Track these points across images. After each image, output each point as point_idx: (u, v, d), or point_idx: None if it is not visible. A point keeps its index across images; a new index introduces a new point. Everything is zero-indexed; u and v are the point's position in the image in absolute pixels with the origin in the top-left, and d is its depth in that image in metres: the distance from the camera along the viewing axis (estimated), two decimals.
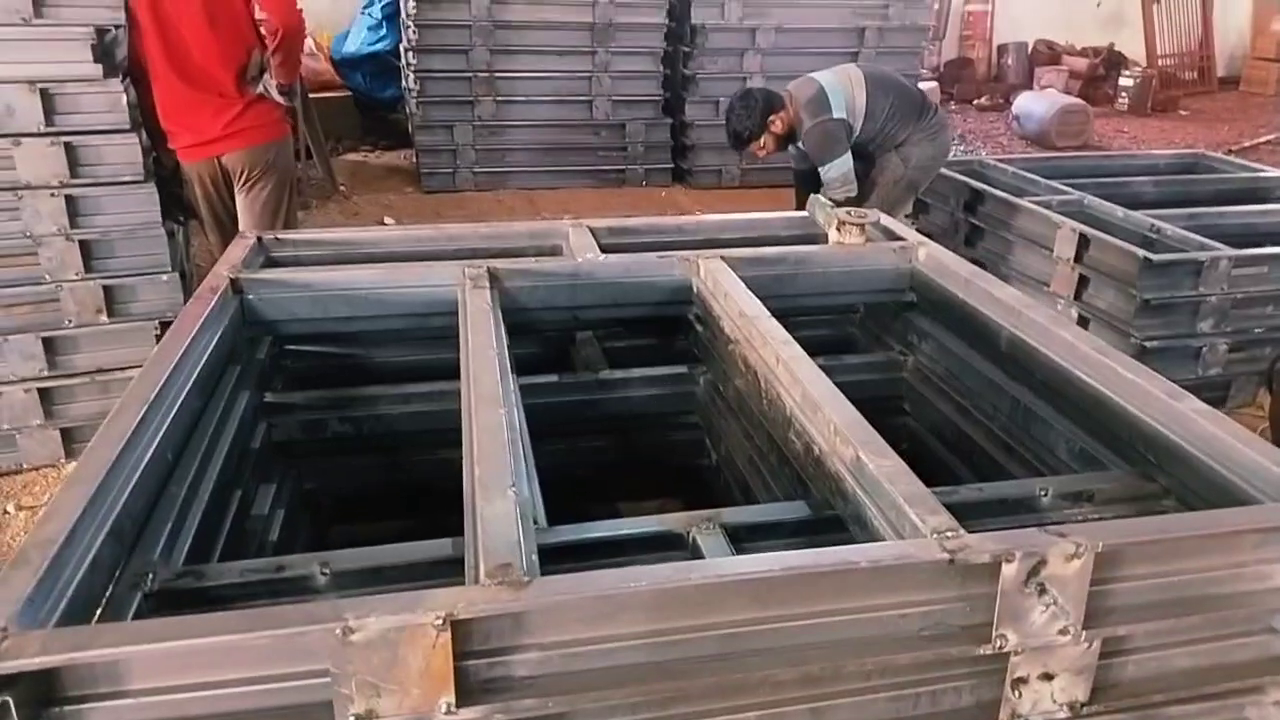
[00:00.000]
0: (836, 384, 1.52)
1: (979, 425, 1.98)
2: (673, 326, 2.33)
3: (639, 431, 2.32)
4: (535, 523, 1.35)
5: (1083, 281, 3.33)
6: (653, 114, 6.29)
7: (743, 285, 1.94)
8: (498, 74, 5.89)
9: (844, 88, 3.72)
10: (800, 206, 4.15)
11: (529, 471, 1.46)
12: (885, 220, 2.35)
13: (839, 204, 3.69)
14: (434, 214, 5.71)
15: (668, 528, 1.36)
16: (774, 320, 1.76)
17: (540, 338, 2.41)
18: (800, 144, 3.80)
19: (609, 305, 2.16)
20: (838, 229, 2.23)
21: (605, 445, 2.32)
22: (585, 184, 6.25)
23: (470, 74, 5.84)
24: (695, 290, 2.10)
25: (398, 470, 2.24)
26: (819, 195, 2.56)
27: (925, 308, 2.15)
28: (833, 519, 1.36)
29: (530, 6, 5.81)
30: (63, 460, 3.03)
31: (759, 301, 1.86)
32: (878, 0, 6.29)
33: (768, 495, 1.79)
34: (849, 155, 3.69)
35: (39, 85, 2.62)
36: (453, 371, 1.76)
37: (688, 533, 1.33)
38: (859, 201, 3.72)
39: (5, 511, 2.83)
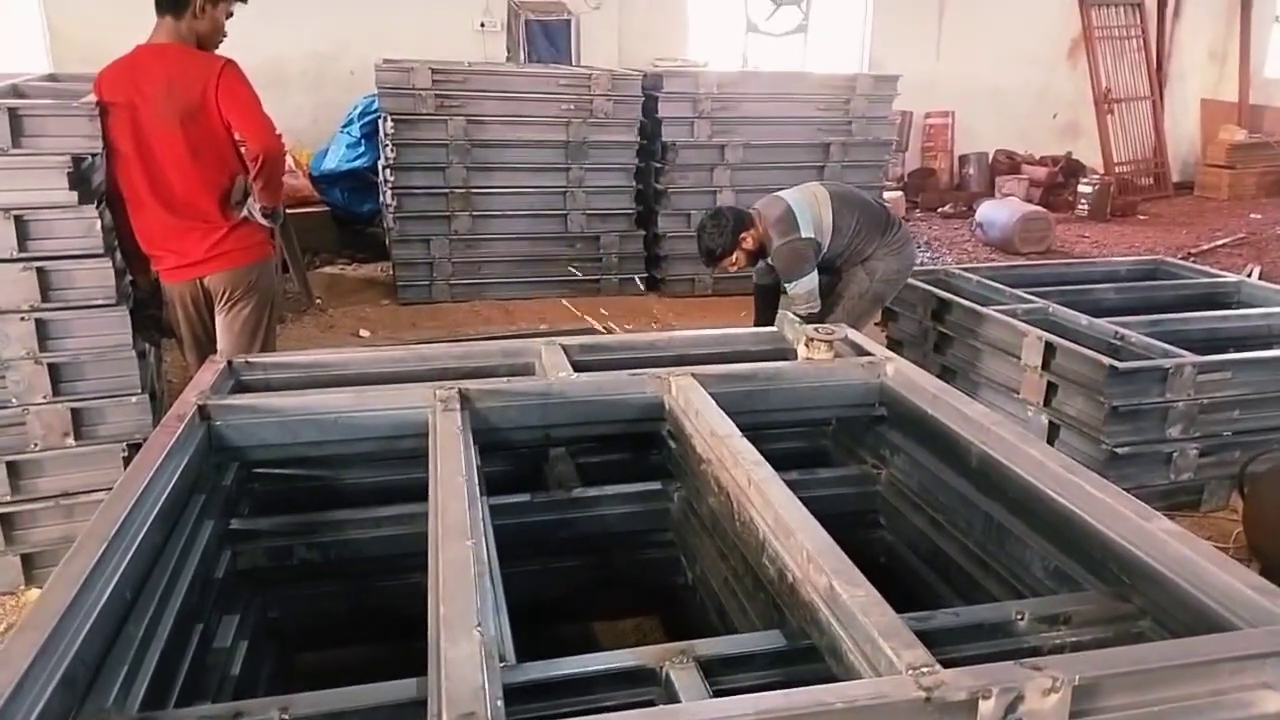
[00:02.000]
0: (810, 498, 1.52)
1: (954, 541, 1.97)
2: (646, 442, 2.33)
3: (613, 550, 2.29)
4: (502, 659, 1.32)
5: (1051, 388, 3.36)
6: (626, 226, 6.41)
7: (713, 403, 1.95)
8: (474, 190, 6.01)
9: (811, 206, 3.84)
10: (759, 319, 4.26)
11: (498, 604, 1.43)
12: (853, 335, 2.39)
13: (802, 319, 3.83)
14: (410, 325, 5.74)
15: (640, 662, 1.32)
16: (745, 440, 1.76)
17: (513, 455, 2.40)
18: (769, 260, 3.88)
19: (582, 423, 2.16)
20: (806, 345, 2.26)
21: (579, 565, 2.28)
22: (561, 293, 6.31)
23: (447, 190, 5.94)
24: (667, 408, 2.10)
25: (366, 595, 2.19)
26: (787, 311, 2.59)
27: (896, 422, 2.16)
28: (809, 649, 1.34)
29: (506, 125, 5.97)
30: (22, 587, 2.94)
31: (730, 420, 1.87)
32: (841, 117, 6.51)
33: (743, 619, 1.76)
34: (815, 273, 3.80)
35: (13, 213, 2.64)
36: (423, 493, 1.74)
37: (660, 668, 1.30)
38: (823, 315, 3.81)
39: None
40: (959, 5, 9.93)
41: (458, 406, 1.96)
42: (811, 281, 3.78)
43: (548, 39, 8.33)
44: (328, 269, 6.85)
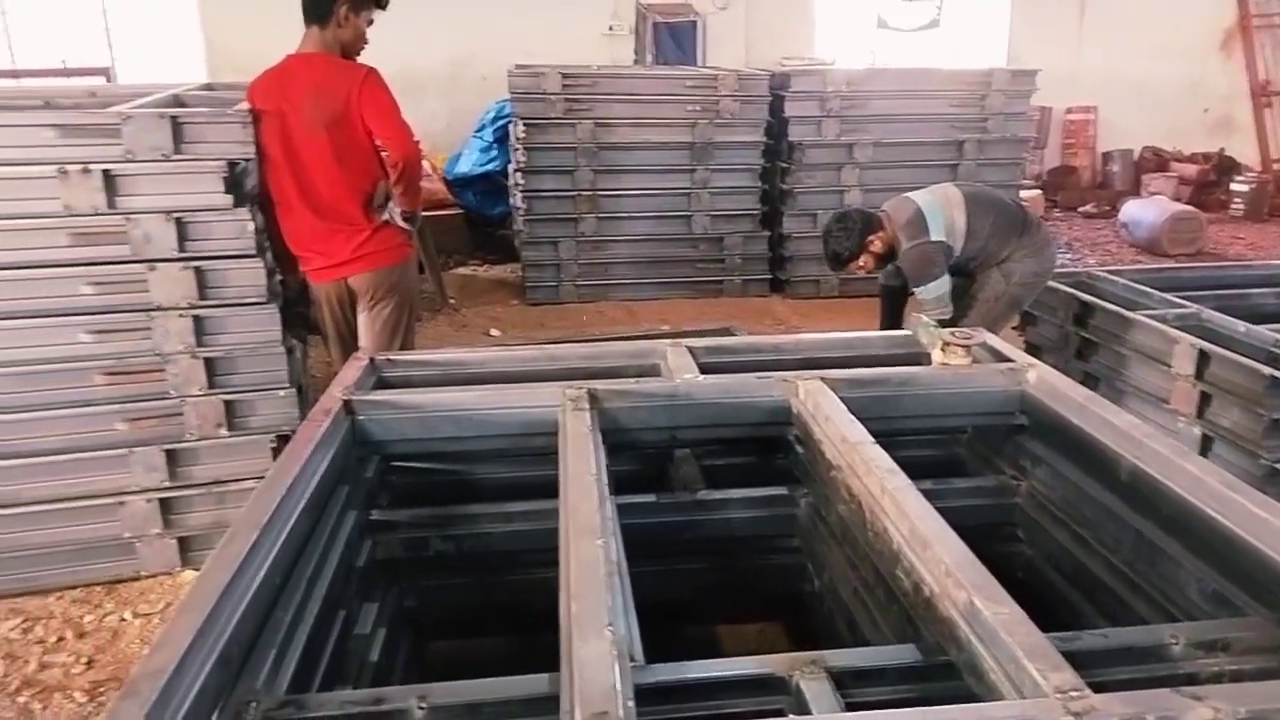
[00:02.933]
0: (945, 508, 1.47)
1: (1099, 558, 1.87)
2: (772, 445, 2.30)
3: (737, 554, 2.27)
4: (632, 660, 1.32)
5: (1204, 398, 3.17)
6: (750, 227, 6.37)
7: (844, 408, 1.91)
8: (600, 192, 6.09)
9: (943, 208, 3.72)
10: (885, 322, 4.15)
11: (627, 604, 1.43)
12: (992, 340, 2.30)
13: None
14: (538, 325, 5.85)
15: (769, 670, 1.31)
16: (878, 447, 1.72)
17: (638, 455, 2.41)
18: (898, 263, 3.79)
19: (707, 425, 2.15)
20: (943, 350, 2.19)
21: (702, 567, 2.27)
22: (683, 295, 6.33)
23: (574, 193, 6.04)
24: (795, 412, 2.07)
25: (495, 588, 2.24)
26: (921, 315, 2.52)
27: (1038, 432, 2.07)
28: (945, 665, 1.29)
29: (633, 129, 6.02)
30: (178, 568, 3.13)
31: (861, 426, 1.83)
32: (976, 114, 6.30)
33: (874, 631, 1.72)
34: (946, 278, 3.68)
35: (174, 215, 2.82)
36: (552, 490, 1.77)
37: (790, 677, 1.28)
38: (956, 319, 3.68)
39: (122, 619, 2.93)
40: None
41: (587, 406, 1.98)
42: (942, 286, 3.67)
43: (674, 41, 8.37)
44: (460, 270, 7.06)
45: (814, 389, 2.00)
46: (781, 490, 2.20)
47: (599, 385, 2.08)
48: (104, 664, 2.74)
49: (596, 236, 6.18)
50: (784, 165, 6.29)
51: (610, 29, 8.48)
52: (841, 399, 1.94)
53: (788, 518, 2.22)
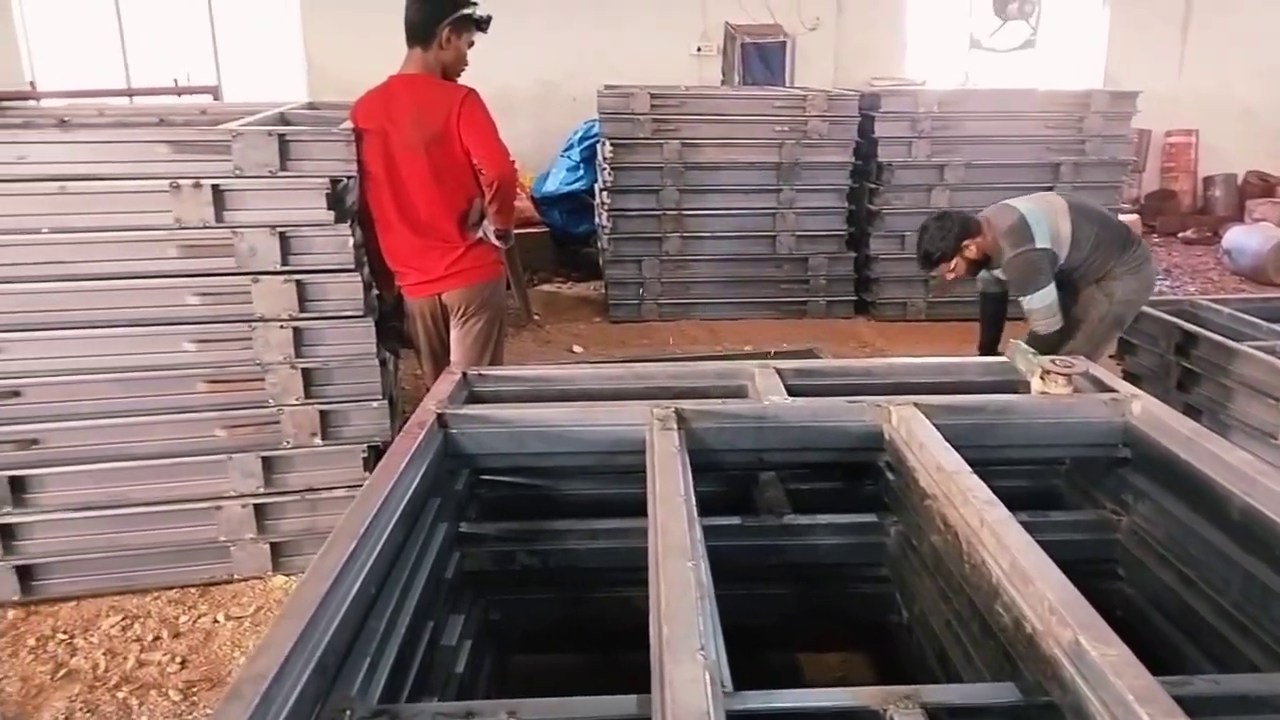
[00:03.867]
0: (1042, 542, 1.42)
1: (1207, 599, 1.79)
2: (861, 471, 2.27)
3: (823, 581, 2.24)
4: (721, 685, 1.31)
5: None
6: (836, 248, 6.31)
7: (939, 435, 1.87)
8: (685, 211, 6.10)
9: (1048, 215, 3.62)
10: (985, 328, 4.05)
11: (715, 629, 1.42)
12: (1094, 370, 2.23)
13: (1041, 336, 3.62)
14: (620, 343, 5.88)
15: (861, 703, 1.28)
16: (975, 476, 1.68)
17: (722, 476, 2.40)
18: (997, 272, 3.72)
19: (795, 449, 2.13)
20: (1042, 378, 2.13)
21: (786, 593, 2.25)
22: (767, 315, 6.29)
23: (659, 212, 6.07)
24: (887, 438, 2.04)
25: (579, 605, 2.25)
26: (1020, 341, 2.45)
27: (1142, 466, 2.00)
28: (1047, 707, 1.25)
29: (719, 149, 6.03)
30: (269, 573, 3.21)
31: (957, 454, 1.79)
32: (1073, 136, 6.15)
33: (968, 667, 1.67)
34: (1053, 287, 3.58)
35: (278, 229, 2.91)
36: (638, 508, 1.77)
37: (884, 711, 1.25)
38: (1064, 335, 3.59)
39: (215, 621, 3.01)
40: (1206, 17, 9.18)
41: (674, 425, 1.98)
42: (1050, 295, 3.57)
43: (763, 61, 8.37)
44: (545, 286, 7.15)
45: (907, 415, 1.97)
46: (870, 517, 2.16)
47: (686, 405, 2.08)
48: (197, 664, 2.82)
49: (680, 255, 6.19)
50: (872, 186, 6.22)
51: (699, 50, 8.52)
52: (936, 426, 1.90)
53: (876, 546, 2.18)
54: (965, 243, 3.67)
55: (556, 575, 2.21)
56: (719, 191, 6.12)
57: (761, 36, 8.48)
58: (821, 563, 2.19)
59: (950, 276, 3.83)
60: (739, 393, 2.30)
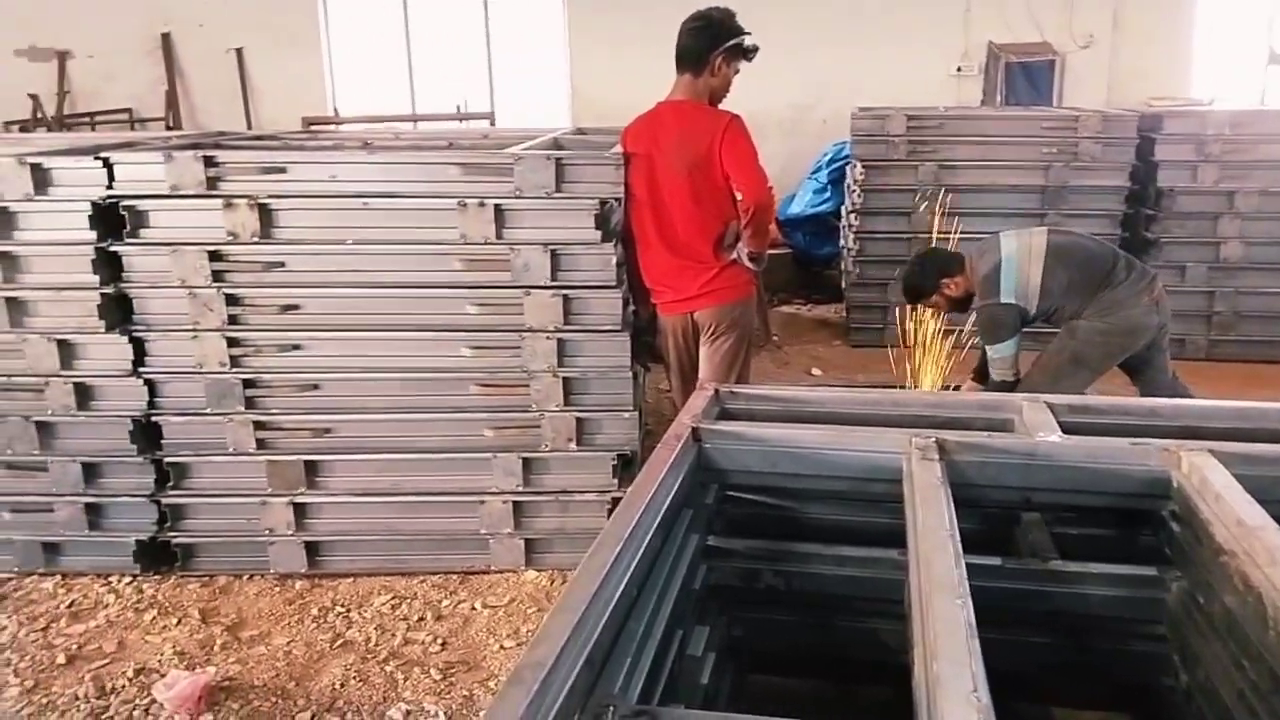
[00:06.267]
0: None
1: None
2: (1139, 520, 2.10)
3: (1089, 634, 2.08)
4: None
5: None
6: None
7: (1239, 487, 1.71)
8: (940, 236, 5.90)
9: (1021, 265, 3.64)
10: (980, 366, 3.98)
11: (983, 673, 1.37)
12: None
13: (996, 384, 3.72)
14: (860, 368, 5.77)
15: None
16: None
17: (981, 513, 2.29)
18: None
19: (1067, 490, 2.01)
20: None
21: (1047, 643, 2.11)
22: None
23: (910, 235, 5.91)
24: (1175, 485, 1.88)
25: (822, 631, 2.22)
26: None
27: None
28: None
29: (980, 170, 5.80)
30: (522, 567, 3.41)
31: (1261, 508, 1.62)
32: None
33: None
34: (1014, 340, 3.73)
35: (550, 248, 3.10)
36: (887, 538, 1.72)
37: None
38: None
39: (472, 608, 3.23)
40: None
41: (935, 456, 1.92)
42: (1009, 349, 3.69)
43: (1028, 81, 7.99)
44: (785, 308, 7.15)
45: (1201, 462, 1.81)
46: (1149, 570, 1.99)
47: (948, 436, 2.01)
48: (455, 647, 3.03)
49: None
50: (1149, 213, 5.76)
51: (958, 70, 8.24)
52: (1235, 475, 1.73)
53: (1153, 601, 2.00)
54: (945, 281, 3.80)
55: (800, 598, 2.20)
56: (977, 215, 5.86)
57: (1028, 55, 8.08)
58: (1089, 614, 2.04)
59: (935, 310, 4.00)
60: (1004, 426, 2.20)
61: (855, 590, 2.12)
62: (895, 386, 4.52)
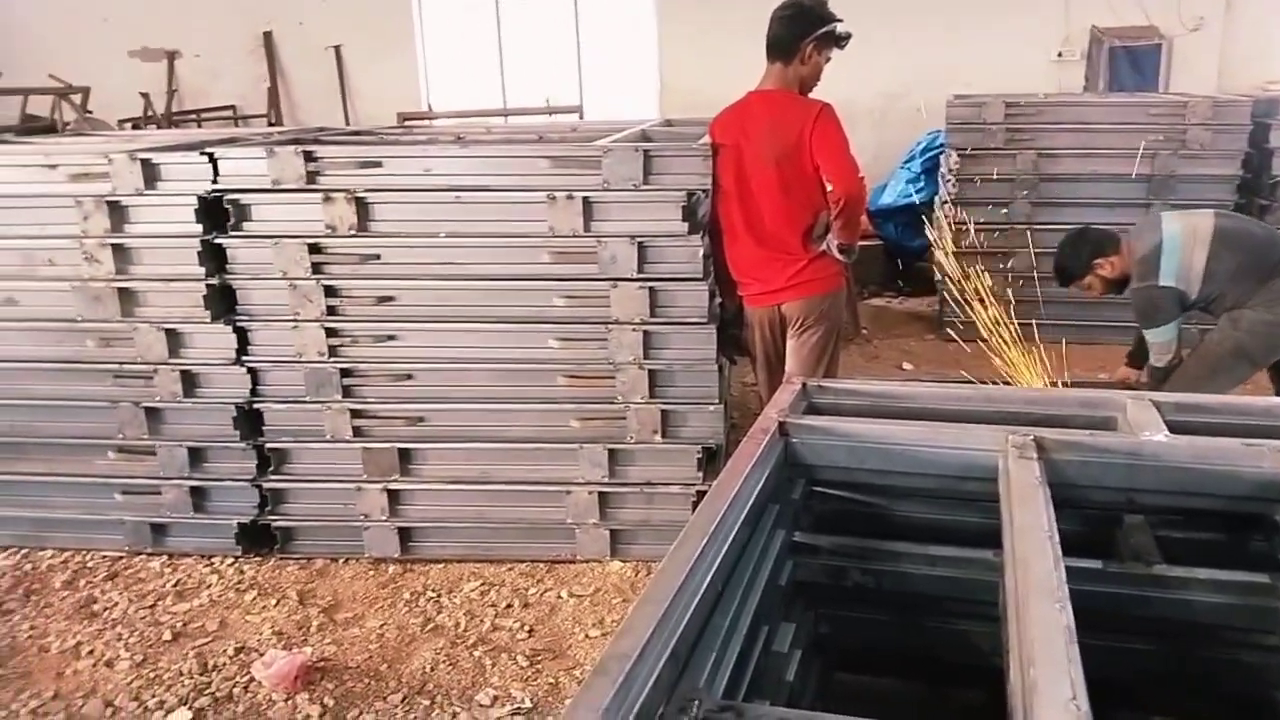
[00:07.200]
0: None
1: None
2: (1248, 524, 2.00)
3: (1195, 642, 1.99)
4: None
5: None
6: None
7: None
8: (1036, 226, 5.73)
9: (1185, 247, 3.44)
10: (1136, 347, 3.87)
11: (1082, 680, 1.32)
12: None
13: (1155, 369, 3.55)
14: (954, 362, 5.62)
15: None
16: None
17: (1080, 514, 2.22)
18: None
19: (1173, 492, 1.92)
20: None
21: (1150, 650, 2.03)
22: (1125, 341, 5.71)
23: (1007, 226, 5.75)
24: None
25: (911, 631, 2.18)
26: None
27: None
28: None
29: (1080, 159, 5.61)
30: (607, 558, 3.43)
31: None
32: None
33: None
34: (1173, 324, 3.55)
35: (637, 239, 3.10)
36: (980, 538, 1.67)
37: None
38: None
39: (559, 596, 3.27)
40: None
41: (1034, 455, 1.86)
42: (1168, 333, 3.50)
43: (1133, 66, 7.68)
44: (874, 300, 7.02)
45: None
46: (1260, 577, 1.89)
47: (1046, 434, 1.95)
48: (542, 634, 3.07)
49: (1028, 272, 5.81)
50: (1263, 203, 5.49)
51: (1059, 55, 7.96)
52: None
53: (1264, 610, 1.90)
54: (1098, 261, 3.66)
55: (889, 597, 2.15)
56: (1076, 205, 5.68)
57: (1133, 39, 7.77)
58: (1195, 622, 1.95)
59: (1090, 295, 3.81)
60: (1106, 424, 2.12)
61: (946, 590, 2.07)
62: (990, 382, 4.41)
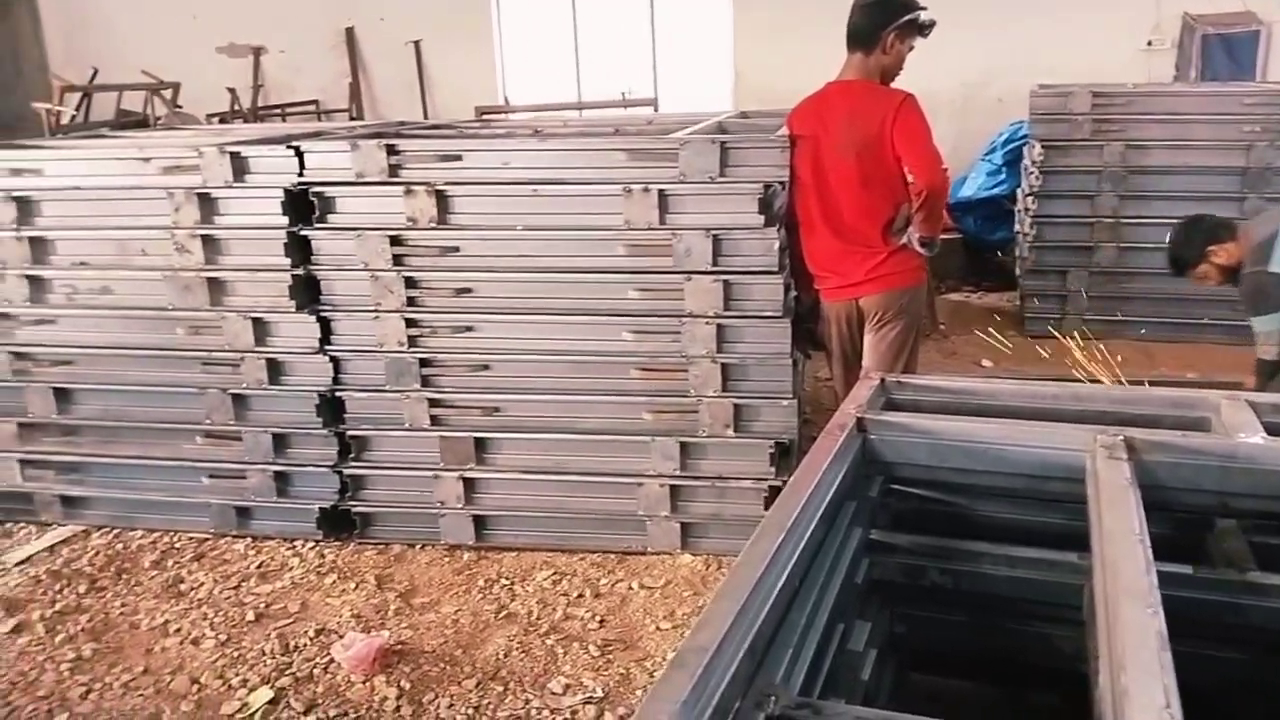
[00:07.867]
0: None
1: None
2: None
3: None
4: None
5: None
6: None
7: None
8: (1124, 220, 5.55)
9: None
10: None
11: (1175, 688, 1.28)
12: None
13: (1262, 361, 3.41)
14: (1035, 359, 5.49)
15: None
16: None
17: (1170, 518, 2.15)
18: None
19: (1270, 496, 1.85)
20: None
21: (1243, 659, 1.96)
22: (1216, 340, 5.52)
23: (1093, 219, 5.58)
24: None
25: (990, 633, 2.13)
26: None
27: None
28: None
29: (1172, 150, 5.42)
30: (678, 550, 3.43)
31: None
32: None
33: None
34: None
35: (712, 233, 3.09)
36: (1064, 540, 1.63)
37: None
38: None
39: (629, 587, 3.28)
40: None
41: (1123, 455, 1.81)
42: (1274, 323, 3.36)
43: (1228, 54, 7.37)
44: (953, 295, 6.88)
45: None
46: None
47: (1136, 434, 1.89)
48: (613, 625, 3.09)
49: (1114, 268, 5.65)
50: None
51: (1149, 44, 7.68)
52: None
53: None
54: (1212, 248, 3.53)
55: (967, 598, 2.12)
56: (1166, 199, 5.48)
57: (1228, 26, 7.45)
58: None
59: (1205, 284, 3.74)
60: (1199, 425, 2.05)
61: (1027, 593, 2.02)
62: (1074, 380, 4.29)
